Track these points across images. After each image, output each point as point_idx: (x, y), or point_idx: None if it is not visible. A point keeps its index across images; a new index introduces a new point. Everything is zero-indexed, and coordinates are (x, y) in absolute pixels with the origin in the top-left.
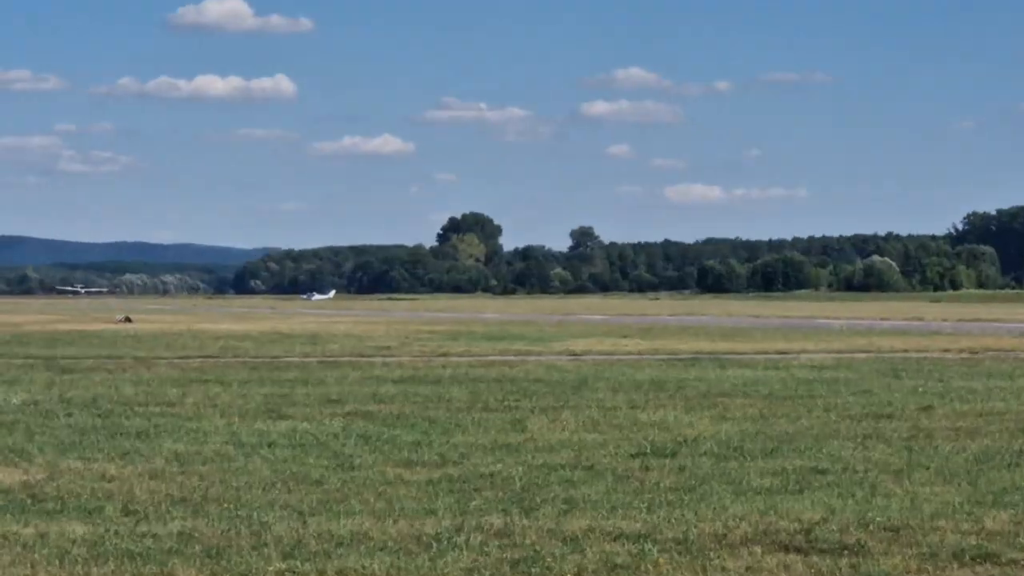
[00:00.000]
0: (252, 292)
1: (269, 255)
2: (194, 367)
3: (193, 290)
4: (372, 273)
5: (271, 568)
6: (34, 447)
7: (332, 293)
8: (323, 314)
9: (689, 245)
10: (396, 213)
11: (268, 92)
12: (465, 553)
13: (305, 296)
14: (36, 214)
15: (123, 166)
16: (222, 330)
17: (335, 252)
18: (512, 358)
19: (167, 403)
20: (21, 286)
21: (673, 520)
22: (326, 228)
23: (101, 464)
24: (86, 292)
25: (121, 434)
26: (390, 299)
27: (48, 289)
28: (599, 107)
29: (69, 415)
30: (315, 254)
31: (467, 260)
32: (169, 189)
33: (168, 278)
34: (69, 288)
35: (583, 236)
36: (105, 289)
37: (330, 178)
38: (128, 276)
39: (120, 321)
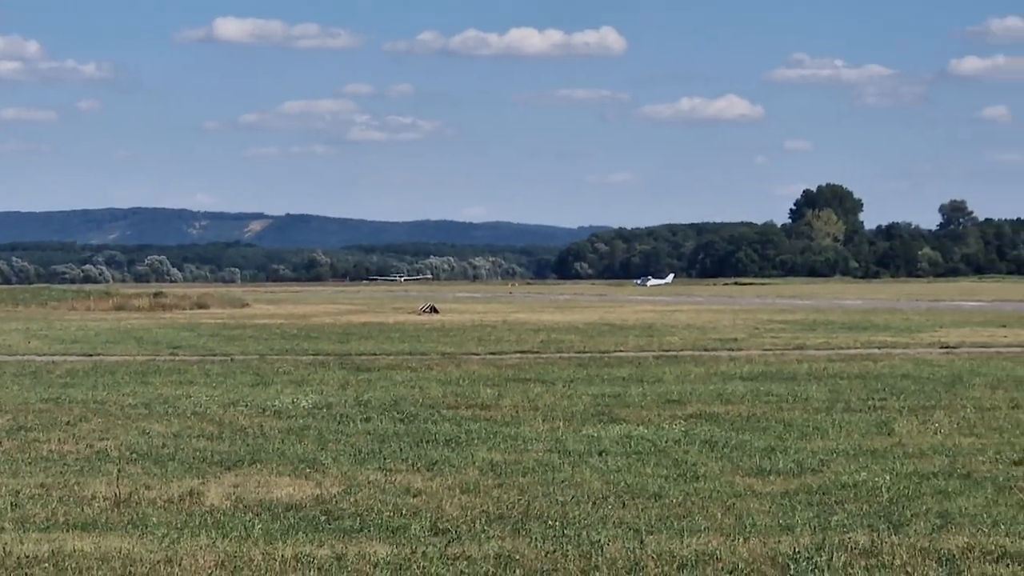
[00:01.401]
0: (577, 277)
1: (596, 235)
2: (511, 364)
3: (508, 275)
4: (716, 255)
5: None
6: (328, 457)
7: (670, 278)
8: (660, 301)
9: None
10: (742, 186)
11: (592, 48)
12: (827, 575)
13: (639, 281)
14: (324, 189)
15: (425, 134)
16: (543, 321)
17: (673, 231)
18: (876, 351)
19: (480, 405)
20: (309, 271)
21: None
22: (662, 203)
23: (405, 476)
24: (405, 280)
25: (427, 441)
26: (736, 284)
27: (341, 275)
28: (972, 64)
29: (367, 420)
30: (650, 233)
31: (824, 240)
32: (478, 160)
33: (479, 262)
34: (377, 277)
35: (955, 211)
36: (429, 276)
37: (666, 146)
38: (432, 260)
39: (424, 311)
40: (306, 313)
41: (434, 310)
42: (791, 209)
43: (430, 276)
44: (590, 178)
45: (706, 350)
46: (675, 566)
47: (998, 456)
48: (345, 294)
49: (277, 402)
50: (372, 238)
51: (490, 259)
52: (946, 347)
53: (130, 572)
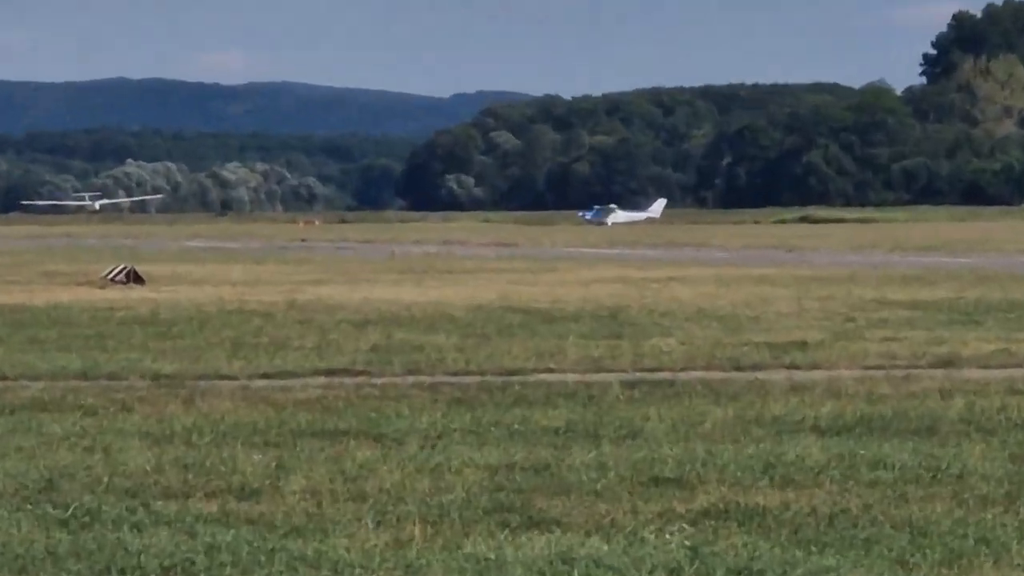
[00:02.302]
0: (451, 205)
1: (492, 110)
2: (305, 399)
3: (299, 201)
4: (760, 157)
5: None
6: None
7: (658, 207)
8: (634, 258)
9: None
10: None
11: None
12: None
13: (589, 214)
14: None
15: None
16: (376, 302)
17: (665, 103)
18: None
19: (239, 491)
20: None
21: None
22: (636, 48)
23: None
24: (101, 207)
25: (122, 571)
26: (805, 221)
27: None
28: None
29: None
30: (612, 110)
31: (998, 123)
32: None
33: (234, 172)
34: (35, 203)
35: None
36: (126, 201)
37: None
38: (130, 166)
39: (114, 280)
40: None
41: (135, 278)
42: (926, 57)
43: (127, 202)
44: None
45: (738, 368)
46: None
47: None
48: None
49: None
50: (4, 122)
51: (258, 167)
52: None
53: None
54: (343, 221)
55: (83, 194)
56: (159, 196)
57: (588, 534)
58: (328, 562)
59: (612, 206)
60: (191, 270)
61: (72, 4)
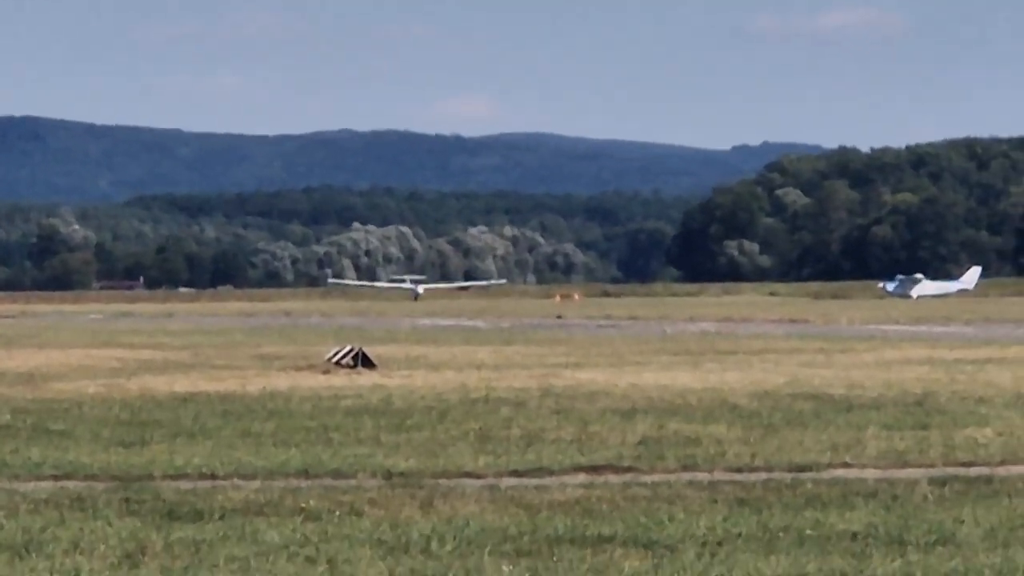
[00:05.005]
0: (731, 275)
1: (782, 164)
2: (563, 500)
3: (556, 269)
4: None
5: None
6: None
7: (971, 275)
8: (945, 337)
9: None
10: None
11: None
12: None
13: (891, 286)
14: None
15: None
16: (640, 386)
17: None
18: None
19: None
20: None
21: None
22: None
23: None
24: (425, 291)
25: None
26: None
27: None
28: None
29: None
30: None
31: None
32: None
33: (479, 238)
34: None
35: None
36: (461, 285)
37: None
38: (356, 233)
39: (338, 362)
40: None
41: (364, 361)
42: None
43: (460, 287)
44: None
45: None
46: None
47: None
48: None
49: None
50: (213, 181)
51: (506, 232)
52: None
53: None
54: (606, 294)
55: (404, 277)
56: (501, 282)
57: None
58: None
59: (918, 276)
60: (429, 352)
61: (290, 48)
